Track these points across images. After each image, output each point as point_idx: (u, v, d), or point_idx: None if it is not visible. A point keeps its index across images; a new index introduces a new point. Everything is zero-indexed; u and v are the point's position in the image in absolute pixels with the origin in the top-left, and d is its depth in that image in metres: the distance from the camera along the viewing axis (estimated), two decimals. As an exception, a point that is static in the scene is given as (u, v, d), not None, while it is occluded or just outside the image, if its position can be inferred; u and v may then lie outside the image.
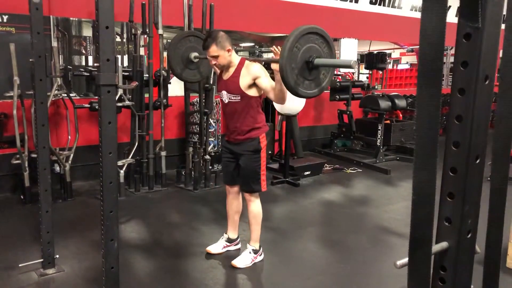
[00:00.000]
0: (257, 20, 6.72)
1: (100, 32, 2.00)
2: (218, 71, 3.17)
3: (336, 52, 9.53)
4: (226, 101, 3.08)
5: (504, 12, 0.86)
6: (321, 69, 2.46)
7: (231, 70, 3.03)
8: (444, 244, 0.89)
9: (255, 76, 2.93)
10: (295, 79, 2.33)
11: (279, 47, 2.65)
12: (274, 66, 2.66)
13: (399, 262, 0.90)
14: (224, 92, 3.08)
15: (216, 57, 2.95)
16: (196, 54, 3.60)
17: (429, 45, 0.77)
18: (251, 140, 3.07)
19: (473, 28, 0.78)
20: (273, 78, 2.85)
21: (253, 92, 3.00)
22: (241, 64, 3.01)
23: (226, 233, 3.46)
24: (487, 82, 0.81)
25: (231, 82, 3.01)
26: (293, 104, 5.35)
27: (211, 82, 5.14)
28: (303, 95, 2.45)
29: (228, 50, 2.96)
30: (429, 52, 0.77)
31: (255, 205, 3.21)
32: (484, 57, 0.79)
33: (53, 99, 4.48)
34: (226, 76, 3.07)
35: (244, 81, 2.96)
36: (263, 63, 3.02)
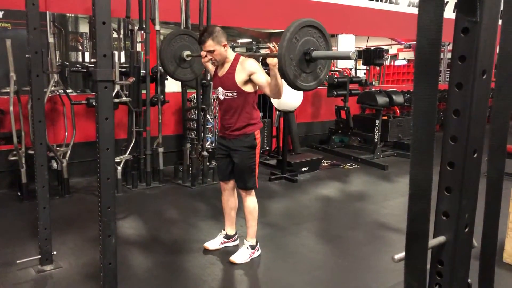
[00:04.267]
0: (254, 15, 6.70)
1: (97, 27, 1.99)
2: (210, 68, 3.17)
3: (334, 48, 9.54)
4: (222, 97, 3.07)
5: (502, 6, 0.86)
6: (318, 63, 2.47)
7: (226, 66, 3.03)
8: (441, 238, 0.89)
9: (250, 72, 2.93)
10: (294, 71, 2.34)
11: (275, 44, 2.66)
12: (270, 61, 2.65)
13: (397, 256, 0.90)
14: (220, 89, 3.07)
15: (212, 51, 2.95)
16: (188, 52, 3.59)
17: (426, 39, 0.77)
18: (246, 136, 3.07)
19: (471, 22, 0.78)
20: (268, 74, 2.85)
21: (249, 88, 2.99)
22: (236, 60, 3.01)
23: (224, 230, 3.46)
24: (484, 77, 0.81)
25: (227, 78, 3.00)
26: (290, 100, 5.35)
27: (208, 78, 5.13)
28: (301, 87, 2.46)
29: (224, 46, 2.96)
30: (426, 46, 0.77)
31: (251, 201, 3.21)
32: (482, 51, 0.79)
33: (50, 95, 4.47)
34: (221, 72, 3.06)
35: (239, 77, 2.96)
36: (260, 58, 3.02)
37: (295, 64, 2.34)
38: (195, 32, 3.95)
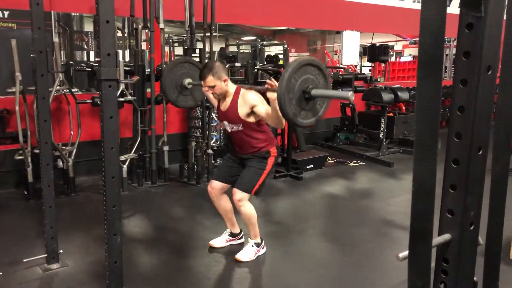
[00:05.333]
0: (259, 13, 6.69)
1: (100, 26, 1.99)
2: (211, 98, 3.19)
3: (338, 44, 9.50)
4: (229, 130, 3.15)
5: (507, 1, 0.85)
6: (317, 99, 2.50)
7: (228, 100, 3.08)
8: (446, 236, 0.88)
9: (252, 105, 2.97)
10: (293, 109, 2.39)
11: (273, 79, 2.72)
12: (270, 95, 2.69)
13: (401, 255, 0.89)
14: (225, 122, 3.15)
15: (212, 87, 3.00)
16: (190, 80, 3.62)
17: (429, 33, 0.76)
18: (260, 153, 3.13)
19: (475, 18, 0.77)
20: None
21: (253, 119, 3.04)
22: (237, 93, 3.05)
23: (228, 228, 3.46)
24: (489, 73, 0.80)
25: (231, 113, 3.06)
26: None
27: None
28: (300, 124, 2.50)
29: (225, 80, 3.01)
30: (430, 41, 0.76)
31: (246, 209, 3.12)
32: (487, 47, 0.78)
33: (55, 94, 4.48)
34: (224, 106, 3.11)
35: (242, 111, 3.01)
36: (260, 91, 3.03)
37: (295, 103, 2.38)
38: (195, 60, 3.98)
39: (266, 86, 2.72)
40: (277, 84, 2.45)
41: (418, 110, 0.81)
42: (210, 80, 2.96)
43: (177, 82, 3.59)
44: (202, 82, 3.04)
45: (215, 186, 3.25)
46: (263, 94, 2.86)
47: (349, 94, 2.31)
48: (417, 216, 0.85)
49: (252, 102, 2.95)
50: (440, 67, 0.78)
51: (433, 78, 0.78)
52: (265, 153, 3.12)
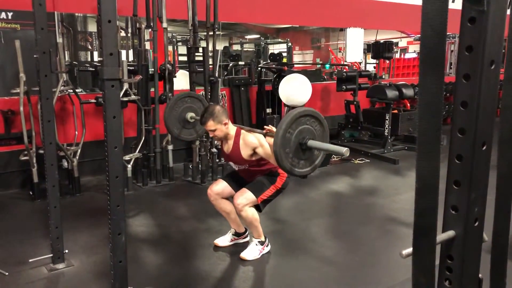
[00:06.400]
0: (262, 11, 6.67)
1: (102, 26, 1.99)
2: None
3: (342, 42, 9.48)
4: (236, 169, 3.25)
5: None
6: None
7: (231, 143, 3.14)
8: (450, 233, 0.88)
9: (253, 147, 3.02)
10: (290, 162, 2.39)
11: (271, 126, 2.80)
12: (269, 140, 2.76)
13: (404, 252, 0.89)
14: (231, 163, 3.25)
15: (213, 130, 3.06)
16: (192, 114, 3.65)
17: (431, 29, 0.75)
18: (269, 172, 3.19)
19: (478, 12, 0.76)
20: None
21: (257, 156, 3.08)
22: (237, 136, 3.11)
23: (232, 228, 3.46)
24: (493, 67, 0.79)
25: (235, 155, 3.14)
26: (299, 96, 5.33)
27: (216, 75, 5.14)
28: (298, 174, 2.51)
29: (225, 124, 3.06)
30: (431, 36, 0.75)
31: (247, 213, 3.09)
32: (490, 41, 0.77)
33: (59, 95, 4.50)
34: (227, 149, 3.19)
35: (245, 152, 3.08)
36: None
37: (292, 156, 2.38)
38: (196, 93, 4.01)
39: (264, 131, 2.81)
40: (275, 130, 2.47)
41: (420, 107, 0.80)
42: (211, 124, 3.03)
43: (180, 117, 3.64)
44: (203, 127, 3.12)
45: (216, 189, 3.25)
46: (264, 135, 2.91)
47: (344, 150, 2.34)
48: (421, 213, 0.85)
49: (253, 145, 3.02)
50: (442, 62, 0.77)
51: (435, 73, 0.77)
52: (274, 172, 3.17)
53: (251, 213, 3.11)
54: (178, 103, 3.62)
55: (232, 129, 3.14)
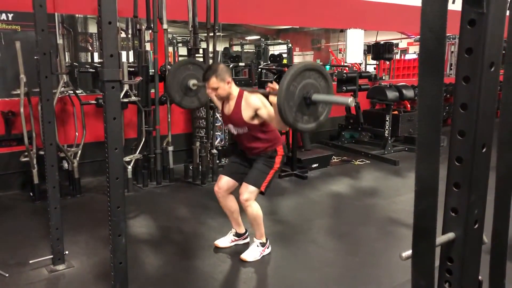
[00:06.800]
0: (262, 12, 6.67)
1: (103, 27, 1.99)
2: (215, 100, 3.19)
3: (342, 43, 9.46)
4: (235, 133, 3.16)
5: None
6: (319, 103, 2.48)
7: (232, 104, 3.08)
8: (450, 235, 0.88)
9: (255, 108, 2.97)
10: (294, 116, 2.36)
11: (274, 82, 2.71)
12: (272, 99, 2.67)
13: (404, 254, 0.89)
14: (230, 126, 3.16)
15: (216, 89, 3.00)
16: (194, 81, 3.62)
17: (430, 32, 0.75)
18: (266, 152, 3.14)
19: (477, 14, 0.76)
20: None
21: (258, 121, 3.04)
22: (240, 96, 3.06)
23: (233, 228, 3.46)
24: (492, 69, 0.79)
25: (235, 117, 3.07)
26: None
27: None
28: (302, 130, 2.50)
29: (228, 82, 3.01)
30: (431, 38, 0.75)
31: (252, 208, 3.12)
32: (489, 43, 0.77)
33: (59, 96, 4.50)
34: (228, 110, 3.12)
35: (246, 114, 3.02)
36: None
37: (295, 110, 2.36)
38: (199, 61, 3.97)
39: (267, 89, 2.72)
40: (277, 87, 2.44)
41: (420, 109, 0.80)
42: (214, 81, 2.97)
43: (182, 84, 3.59)
44: (206, 84, 3.04)
45: (222, 186, 3.24)
46: (266, 96, 2.85)
47: (349, 100, 2.31)
48: (420, 215, 0.85)
49: (256, 105, 2.95)
50: (441, 65, 0.77)
51: (434, 76, 0.77)
52: (272, 152, 3.13)
53: (256, 210, 3.13)
54: (181, 69, 3.59)
55: (235, 89, 3.08)
